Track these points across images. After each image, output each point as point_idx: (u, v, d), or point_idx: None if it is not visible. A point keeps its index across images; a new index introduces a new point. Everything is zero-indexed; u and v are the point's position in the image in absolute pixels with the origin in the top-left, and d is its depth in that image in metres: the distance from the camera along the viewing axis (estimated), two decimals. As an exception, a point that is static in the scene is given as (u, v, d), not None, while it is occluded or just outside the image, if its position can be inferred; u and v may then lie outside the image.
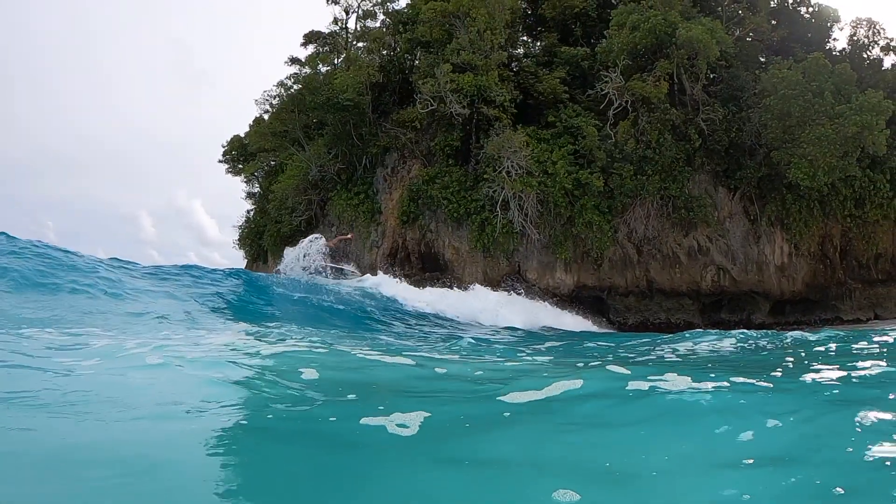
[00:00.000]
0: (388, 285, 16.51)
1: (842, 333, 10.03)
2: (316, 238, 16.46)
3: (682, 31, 20.30)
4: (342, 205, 22.92)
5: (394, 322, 12.59)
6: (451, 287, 18.35)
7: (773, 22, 25.14)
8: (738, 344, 8.91)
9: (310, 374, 4.96)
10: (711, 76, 22.31)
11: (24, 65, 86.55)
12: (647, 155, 20.45)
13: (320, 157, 24.52)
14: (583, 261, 20.05)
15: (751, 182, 21.06)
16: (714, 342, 9.19)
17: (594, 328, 18.44)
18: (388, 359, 6.16)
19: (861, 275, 22.94)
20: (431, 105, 22.08)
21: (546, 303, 18.74)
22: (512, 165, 20.38)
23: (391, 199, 21.87)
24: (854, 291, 23.04)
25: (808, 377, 5.10)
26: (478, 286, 18.91)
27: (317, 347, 6.79)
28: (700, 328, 18.66)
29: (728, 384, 4.37)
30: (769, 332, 12.46)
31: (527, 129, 20.89)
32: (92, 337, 6.42)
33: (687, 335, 10.46)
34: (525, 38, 24.93)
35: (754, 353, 8.14)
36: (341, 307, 12.44)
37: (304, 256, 15.75)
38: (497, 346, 10.05)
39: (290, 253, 16.46)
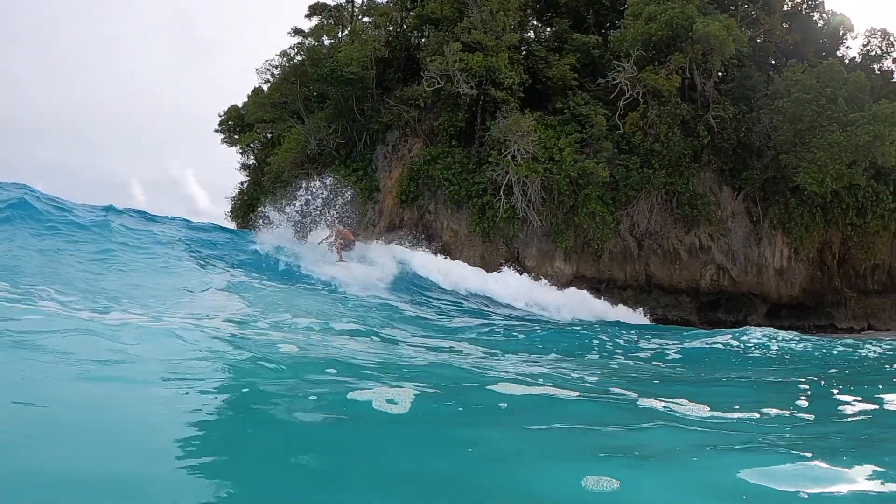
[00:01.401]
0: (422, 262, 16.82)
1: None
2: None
3: (699, 25, 19.95)
4: (340, 180, 22.30)
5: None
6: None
7: (786, 25, 24.86)
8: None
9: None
10: (723, 74, 22.00)
11: (24, 24, 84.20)
12: (655, 148, 20.12)
13: (319, 131, 23.86)
14: (583, 251, 19.71)
15: (756, 183, 20.82)
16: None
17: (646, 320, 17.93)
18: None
19: (857, 284, 22.86)
20: (438, 83, 21.53)
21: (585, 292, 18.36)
22: (518, 150, 19.93)
23: (390, 178, 21.33)
24: (850, 300, 22.97)
25: None
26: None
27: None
28: (696, 327, 18.49)
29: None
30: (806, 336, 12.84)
31: (534, 115, 20.42)
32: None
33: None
34: (536, 22, 24.40)
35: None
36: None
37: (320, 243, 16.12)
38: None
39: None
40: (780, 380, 6.21)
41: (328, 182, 19.43)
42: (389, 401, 3.01)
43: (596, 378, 4.41)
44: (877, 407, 4.59)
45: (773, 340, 9.91)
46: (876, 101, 20.53)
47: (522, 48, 22.87)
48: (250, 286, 9.28)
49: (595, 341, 7.35)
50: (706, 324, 19.68)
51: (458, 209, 20.34)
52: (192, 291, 8.28)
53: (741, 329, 13.47)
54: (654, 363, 6.70)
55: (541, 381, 3.75)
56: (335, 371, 4.07)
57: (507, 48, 21.90)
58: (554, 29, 23.40)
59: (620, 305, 18.22)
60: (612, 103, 20.72)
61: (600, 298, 17.97)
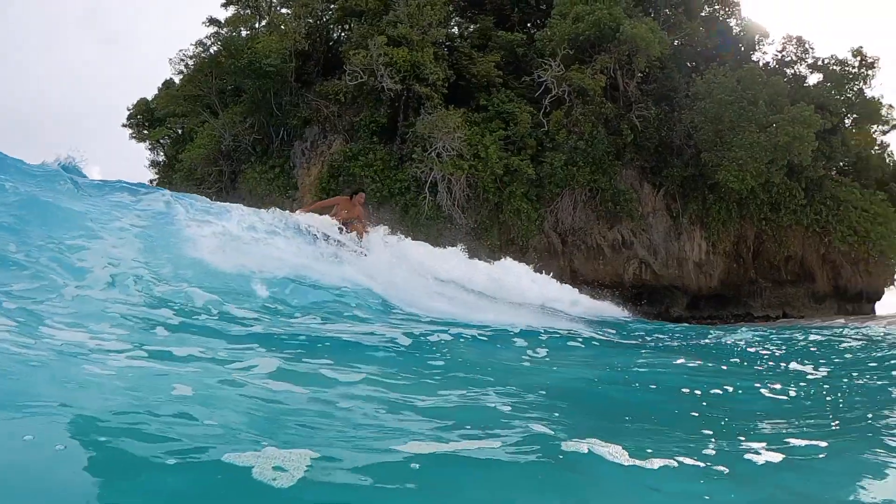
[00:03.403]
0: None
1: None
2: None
3: (626, 27, 20.15)
4: (255, 178, 21.07)
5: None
6: None
7: (704, 30, 25.66)
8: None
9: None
10: (645, 75, 22.37)
11: None
12: (579, 146, 20.13)
13: (234, 126, 22.49)
14: (507, 248, 19.39)
15: (675, 180, 21.29)
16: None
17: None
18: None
19: (771, 275, 23.90)
20: (361, 78, 20.69)
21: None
22: (444, 147, 19.43)
23: (309, 175, 20.30)
24: (765, 290, 23.99)
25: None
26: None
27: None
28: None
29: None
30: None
31: (458, 112, 19.97)
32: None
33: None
34: (460, 18, 24.00)
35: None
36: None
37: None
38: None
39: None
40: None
41: None
42: (277, 468, 2.10)
43: (530, 415, 3.36)
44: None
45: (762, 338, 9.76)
46: (793, 104, 21.48)
47: (446, 44, 22.39)
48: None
49: (530, 352, 6.07)
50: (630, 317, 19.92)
51: (381, 208, 19.56)
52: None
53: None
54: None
55: (455, 434, 2.77)
56: (211, 416, 2.83)
57: (433, 44, 21.38)
58: (478, 26, 23.08)
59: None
60: (536, 101, 20.58)
61: None
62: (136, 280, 5.90)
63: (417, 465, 2.36)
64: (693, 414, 3.96)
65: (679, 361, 6.24)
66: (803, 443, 3.05)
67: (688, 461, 2.60)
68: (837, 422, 3.74)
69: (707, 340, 9.82)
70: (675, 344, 9.49)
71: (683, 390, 4.75)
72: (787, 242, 23.96)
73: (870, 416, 3.98)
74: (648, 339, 9.92)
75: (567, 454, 2.57)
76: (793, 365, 6.47)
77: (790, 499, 2.48)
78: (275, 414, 2.96)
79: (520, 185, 19.53)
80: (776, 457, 2.74)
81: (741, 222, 22.57)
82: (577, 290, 14.58)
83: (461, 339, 6.55)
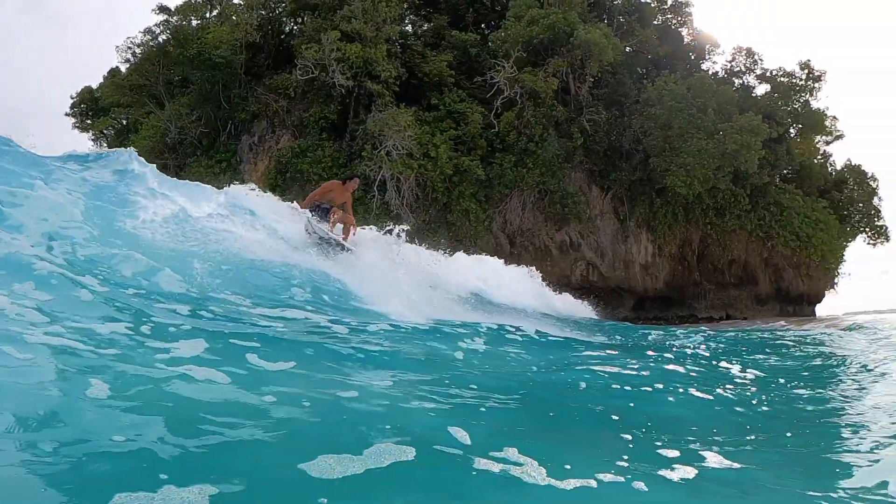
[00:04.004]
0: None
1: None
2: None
3: (581, 32, 20.35)
4: (201, 172, 20.49)
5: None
6: None
7: (656, 38, 26.11)
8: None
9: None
10: (597, 80, 22.65)
11: None
12: (529, 148, 20.26)
13: (181, 118, 21.89)
14: (455, 249, 19.41)
15: (623, 184, 21.63)
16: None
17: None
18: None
19: (715, 277, 24.53)
20: (312, 73, 20.38)
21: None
22: (394, 145, 19.29)
23: (256, 171, 19.90)
24: (709, 292, 24.62)
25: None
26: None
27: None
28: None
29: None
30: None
31: (409, 110, 19.86)
32: None
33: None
34: (414, 16, 23.86)
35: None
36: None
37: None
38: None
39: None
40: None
41: None
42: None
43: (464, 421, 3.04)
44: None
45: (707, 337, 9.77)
46: (741, 113, 22.06)
47: (400, 42, 22.23)
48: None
49: (464, 345, 5.57)
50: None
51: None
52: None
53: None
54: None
55: (369, 443, 2.51)
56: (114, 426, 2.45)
57: (386, 40, 21.20)
58: (432, 24, 22.98)
59: None
60: (488, 102, 20.63)
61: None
62: (67, 243, 5.54)
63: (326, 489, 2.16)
64: (614, 417, 3.82)
65: (619, 361, 6.16)
66: (717, 459, 2.96)
67: (605, 478, 2.46)
68: (755, 435, 3.69)
69: (650, 340, 9.85)
70: (618, 342, 9.49)
71: (613, 386, 4.74)
72: (731, 246, 24.63)
73: (791, 427, 3.93)
74: (600, 338, 9.84)
75: (482, 472, 2.43)
76: (723, 366, 6.49)
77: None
78: (186, 420, 2.63)
79: (469, 185, 19.54)
80: (690, 472, 2.66)
81: (687, 226, 23.10)
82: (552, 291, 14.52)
83: (400, 331, 6.21)
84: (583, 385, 4.73)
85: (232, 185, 9.93)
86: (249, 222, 8.81)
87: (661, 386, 4.90)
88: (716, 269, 24.60)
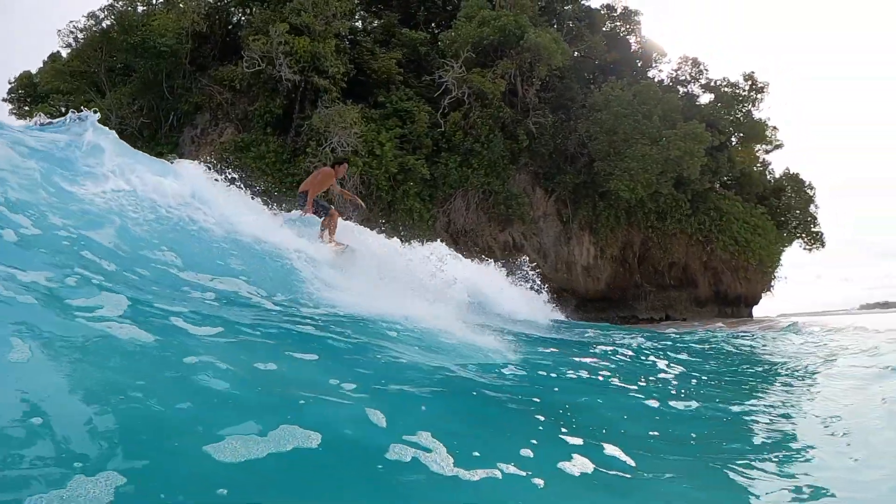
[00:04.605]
0: None
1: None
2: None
3: (531, 35, 20.65)
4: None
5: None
6: None
7: (605, 45, 26.70)
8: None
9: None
10: (544, 83, 23.02)
11: None
12: (475, 148, 20.51)
13: (122, 108, 21.33)
14: (398, 248, 19.56)
15: (567, 187, 22.09)
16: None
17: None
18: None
19: (656, 279, 25.32)
20: (259, 65, 20.14)
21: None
22: (339, 142, 19.25)
23: (197, 164, 19.54)
24: (649, 294, 25.41)
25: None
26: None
27: None
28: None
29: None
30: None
31: (355, 107, 19.83)
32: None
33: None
34: (364, 12, 23.78)
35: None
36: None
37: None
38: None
39: None
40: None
41: None
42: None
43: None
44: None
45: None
46: (686, 121, 22.77)
47: (349, 37, 22.14)
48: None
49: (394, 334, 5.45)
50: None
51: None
52: None
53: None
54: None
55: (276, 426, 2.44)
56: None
57: (335, 35, 21.09)
58: (382, 21, 22.95)
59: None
60: (435, 101, 20.76)
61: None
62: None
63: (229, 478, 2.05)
64: (535, 400, 3.85)
65: (550, 354, 6.10)
66: (617, 451, 2.97)
67: (508, 469, 2.47)
68: (659, 431, 3.65)
69: (587, 337, 9.77)
70: (554, 336, 9.33)
71: (539, 373, 4.75)
72: (671, 249, 25.48)
73: (697, 426, 3.91)
74: (536, 333, 9.62)
75: (390, 461, 2.38)
76: (650, 362, 6.55)
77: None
78: (100, 388, 2.44)
79: (414, 184, 19.67)
80: (588, 466, 2.70)
81: (629, 229, 23.78)
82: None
83: (336, 317, 5.88)
84: (508, 372, 4.71)
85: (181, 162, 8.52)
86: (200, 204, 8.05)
87: (585, 375, 4.94)
88: (656, 272, 25.42)
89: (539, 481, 2.43)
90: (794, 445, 3.49)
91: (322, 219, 8.31)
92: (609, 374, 5.46)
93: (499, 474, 2.43)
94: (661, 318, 26.02)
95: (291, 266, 7.35)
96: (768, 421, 4.08)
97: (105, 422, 2.22)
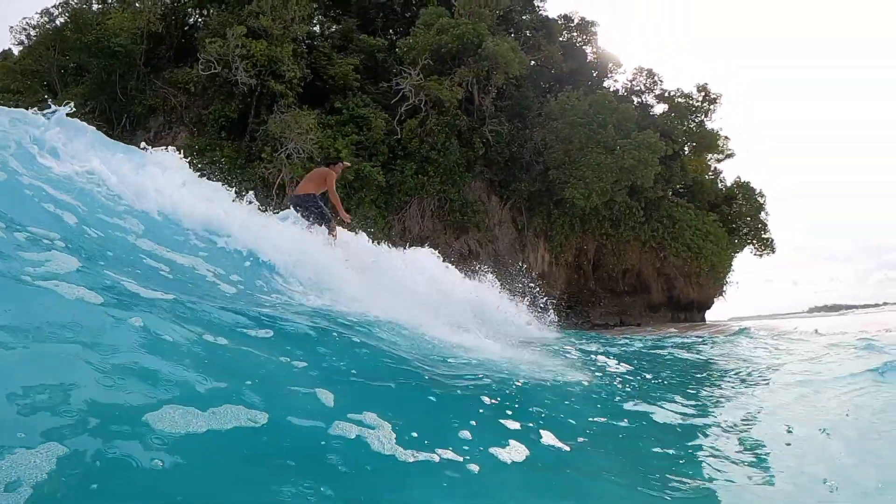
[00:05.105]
0: None
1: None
2: None
3: (489, 43, 20.97)
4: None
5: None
6: None
7: (562, 54, 27.24)
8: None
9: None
10: (500, 91, 23.41)
11: None
12: (431, 156, 20.77)
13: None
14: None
15: (522, 195, 22.54)
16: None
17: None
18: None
19: (610, 285, 25.99)
20: (215, 68, 20.03)
21: None
22: (295, 148, 19.31)
23: (148, 168, 19.36)
24: (603, 300, 26.07)
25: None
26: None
27: None
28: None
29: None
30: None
31: (312, 113, 19.90)
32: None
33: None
34: (322, 17, 23.84)
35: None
36: None
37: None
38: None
39: None
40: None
41: None
42: None
43: None
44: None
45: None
46: (640, 130, 23.41)
47: (307, 42, 22.17)
48: None
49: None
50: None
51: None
52: None
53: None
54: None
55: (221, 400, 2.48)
56: None
57: (293, 40, 21.11)
58: (340, 26, 23.04)
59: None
60: (392, 108, 20.95)
61: None
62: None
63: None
64: (478, 384, 3.95)
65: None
66: (552, 439, 3.06)
67: (446, 454, 2.56)
68: (593, 429, 3.69)
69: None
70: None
71: (490, 358, 4.86)
72: (625, 256, 26.21)
73: (634, 426, 3.87)
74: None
75: (333, 436, 2.43)
76: (601, 360, 6.62)
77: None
78: (43, 350, 2.41)
79: (369, 191, 19.83)
80: (522, 452, 2.78)
81: (583, 236, 24.38)
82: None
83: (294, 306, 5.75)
84: (460, 361, 4.79)
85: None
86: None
87: (539, 374, 4.93)
88: (610, 278, 26.11)
89: (473, 467, 2.50)
90: (723, 452, 3.47)
91: (328, 224, 7.71)
92: (558, 365, 5.53)
93: (436, 457, 2.49)
94: (616, 323, 26.74)
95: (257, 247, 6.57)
96: (706, 426, 4.10)
97: (51, 387, 2.16)
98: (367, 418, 2.61)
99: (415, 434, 2.62)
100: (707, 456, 3.32)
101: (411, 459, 2.42)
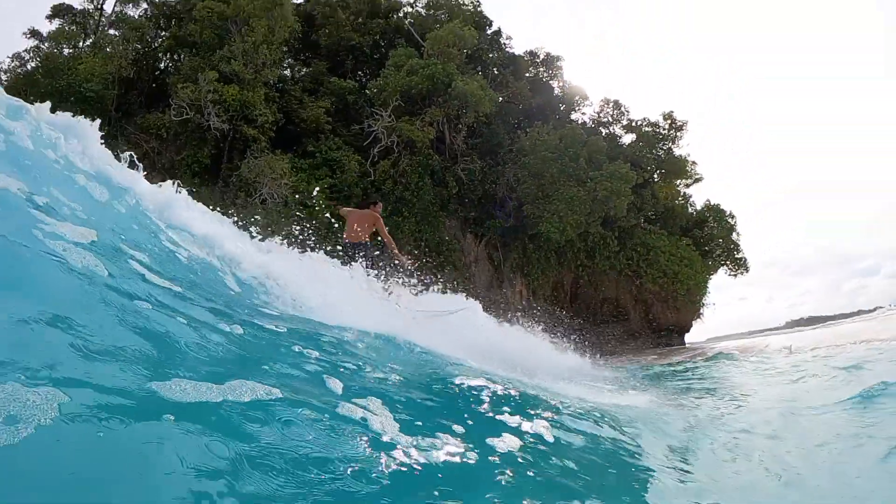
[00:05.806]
0: None
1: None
2: None
3: (459, 83, 21.33)
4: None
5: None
6: None
7: (529, 90, 27.75)
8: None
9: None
10: (472, 129, 23.75)
11: None
12: (405, 196, 20.93)
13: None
14: (327, 299, 19.69)
15: (497, 231, 22.77)
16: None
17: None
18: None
19: (589, 316, 26.19)
20: (187, 113, 20.06)
21: None
22: (269, 193, 19.33)
23: (119, 217, 19.20)
24: (583, 330, 26.24)
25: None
26: None
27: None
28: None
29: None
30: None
31: (285, 157, 19.98)
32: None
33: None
34: (292, 60, 24.07)
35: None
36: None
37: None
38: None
39: None
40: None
41: None
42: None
43: None
44: None
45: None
46: (610, 161, 23.85)
47: (278, 85, 22.33)
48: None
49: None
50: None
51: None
52: None
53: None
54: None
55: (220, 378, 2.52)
56: None
57: (265, 84, 21.26)
58: (311, 70, 23.26)
59: None
60: (364, 150, 21.12)
61: None
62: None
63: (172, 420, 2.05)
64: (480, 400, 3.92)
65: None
66: (513, 440, 3.08)
67: (445, 438, 2.70)
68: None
69: None
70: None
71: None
72: (602, 286, 26.51)
73: (592, 460, 3.58)
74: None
75: (339, 415, 2.53)
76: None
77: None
78: (45, 312, 2.35)
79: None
80: (515, 443, 2.90)
81: (559, 269, 24.64)
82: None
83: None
84: (465, 378, 4.59)
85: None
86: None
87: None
88: (588, 308, 26.35)
89: (472, 455, 2.60)
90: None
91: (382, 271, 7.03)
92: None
93: (436, 441, 2.60)
94: (597, 353, 26.92)
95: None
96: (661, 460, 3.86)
97: (48, 340, 2.18)
98: (372, 403, 2.74)
99: (418, 423, 2.77)
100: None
101: (406, 444, 2.50)
